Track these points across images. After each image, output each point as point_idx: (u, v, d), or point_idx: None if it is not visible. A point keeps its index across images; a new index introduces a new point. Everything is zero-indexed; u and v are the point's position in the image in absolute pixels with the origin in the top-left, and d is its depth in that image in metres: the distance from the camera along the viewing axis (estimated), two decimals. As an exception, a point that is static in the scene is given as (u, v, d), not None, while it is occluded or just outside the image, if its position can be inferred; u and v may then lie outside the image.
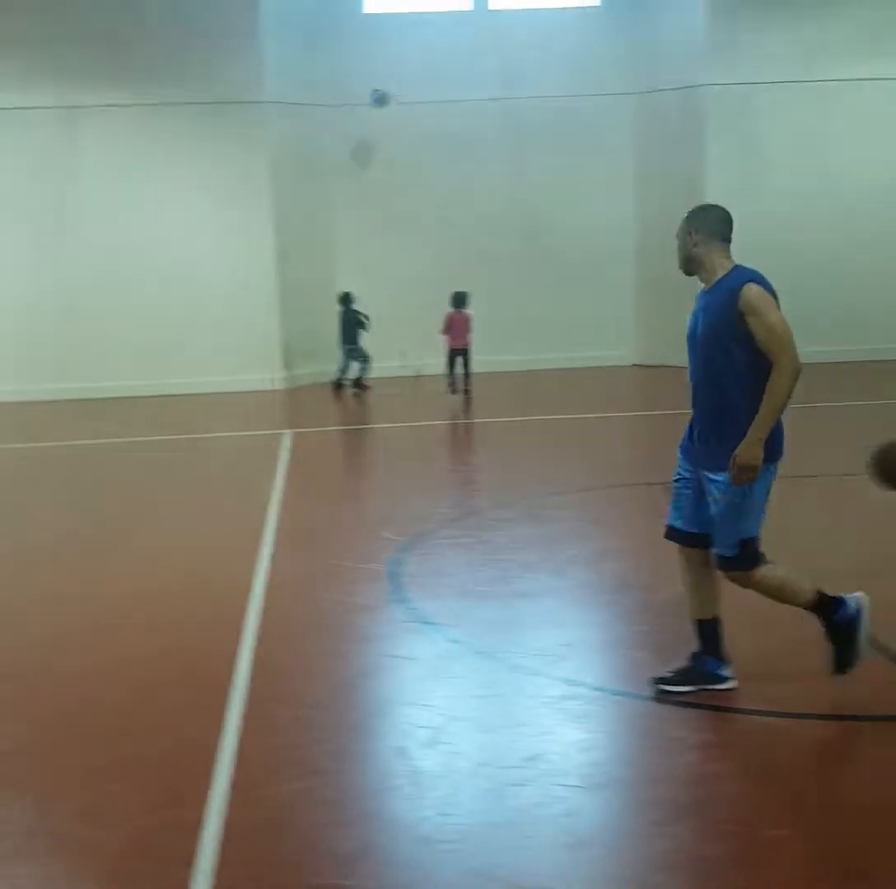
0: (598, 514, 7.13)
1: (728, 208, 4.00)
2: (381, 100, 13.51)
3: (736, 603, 4.18)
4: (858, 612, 3.90)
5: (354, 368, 13.51)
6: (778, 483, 3.92)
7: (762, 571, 3.91)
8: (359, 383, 13.46)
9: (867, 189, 14.43)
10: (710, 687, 4.02)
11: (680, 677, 4.06)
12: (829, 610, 3.93)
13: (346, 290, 13.35)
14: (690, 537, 4.04)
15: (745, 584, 3.96)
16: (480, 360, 14.47)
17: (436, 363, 14.43)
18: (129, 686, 4.41)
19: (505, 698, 4.20)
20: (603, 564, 5.95)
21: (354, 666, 4.60)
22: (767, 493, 3.89)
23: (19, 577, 6.18)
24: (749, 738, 3.83)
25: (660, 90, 14.62)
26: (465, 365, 12.79)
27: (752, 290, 3.74)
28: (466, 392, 12.86)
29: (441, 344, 12.86)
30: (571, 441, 10.00)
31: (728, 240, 3.94)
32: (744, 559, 3.89)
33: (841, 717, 3.92)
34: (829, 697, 4.02)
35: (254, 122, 13.66)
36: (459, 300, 12.68)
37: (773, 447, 3.81)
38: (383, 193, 14.59)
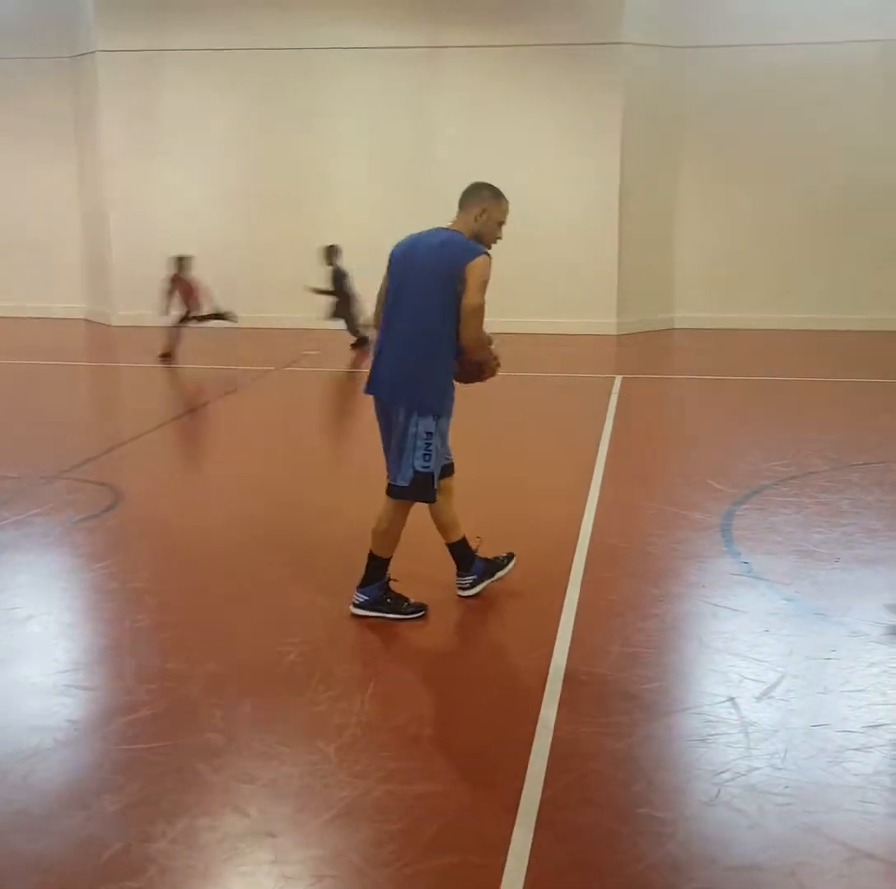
0: (957, 485, 6.51)
1: None
2: None
3: None
4: None
5: None
6: None
7: None
8: None
9: None
10: None
11: None
12: None
13: None
14: None
15: None
16: (809, 317, 13.63)
17: (767, 317, 13.81)
18: (465, 611, 4.62)
19: (845, 663, 3.96)
20: (962, 537, 5.44)
21: (681, 612, 4.53)
22: None
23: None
24: None
25: None
26: None
27: None
28: None
29: None
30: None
31: None
32: None
33: None
34: None
35: (610, 63, 13.38)
36: None
37: None
38: (735, 140, 13.84)
